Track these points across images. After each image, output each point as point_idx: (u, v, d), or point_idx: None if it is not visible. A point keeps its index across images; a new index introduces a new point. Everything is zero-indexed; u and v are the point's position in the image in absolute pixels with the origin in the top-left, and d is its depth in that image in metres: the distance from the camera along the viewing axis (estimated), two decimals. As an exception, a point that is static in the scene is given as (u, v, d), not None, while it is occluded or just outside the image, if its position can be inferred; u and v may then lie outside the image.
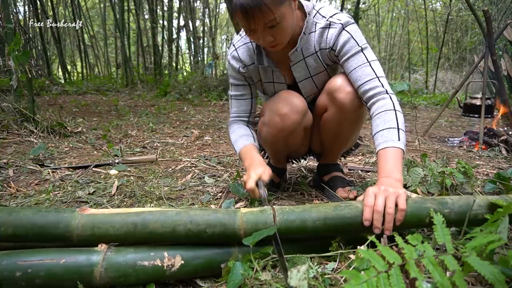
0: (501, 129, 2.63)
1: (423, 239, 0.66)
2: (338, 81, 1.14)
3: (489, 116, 2.79)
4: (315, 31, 1.13)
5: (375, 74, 1.06)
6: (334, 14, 1.12)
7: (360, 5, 6.84)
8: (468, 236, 0.79)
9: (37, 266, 0.70)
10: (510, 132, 2.49)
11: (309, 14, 1.12)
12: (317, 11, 1.13)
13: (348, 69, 1.10)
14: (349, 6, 7.68)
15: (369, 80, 1.06)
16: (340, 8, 6.50)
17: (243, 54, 1.21)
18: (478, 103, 2.84)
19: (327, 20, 1.11)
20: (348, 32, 1.09)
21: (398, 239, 0.66)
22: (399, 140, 0.95)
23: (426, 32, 8.69)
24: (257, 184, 1.04)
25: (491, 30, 2.47)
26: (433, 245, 0.74)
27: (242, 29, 1.11)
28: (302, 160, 1.67)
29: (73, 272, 0.71)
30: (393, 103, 1.03)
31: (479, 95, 2.85)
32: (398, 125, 0.98)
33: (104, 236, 0.77)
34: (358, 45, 1.09)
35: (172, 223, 0.78)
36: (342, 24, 1.09)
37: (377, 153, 0.98)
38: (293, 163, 1.61)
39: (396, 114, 1.01)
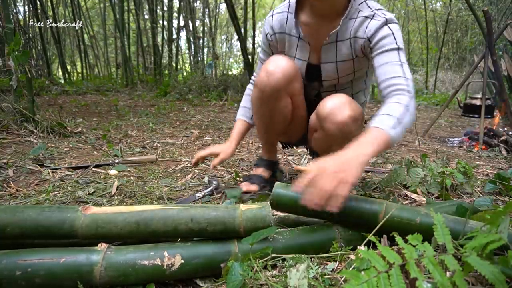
0: (501, 129, 2.63)
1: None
2: (327, 108, 1.11)
3: (489, 116, 2.79)
4: (356, 18, 1.12)
5: (405, 74, 1.03)
6: (381, 9, 1.11)
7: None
8: (469, 236, 0.79)
9: (37, 265, 0.70)
10: (510, 132, 2.49)
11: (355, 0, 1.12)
12: (364, 0, 1.13)
13: (379, 62, 1.07)
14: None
15: (397, 77, 1.02)
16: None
17: (276, 20, 1.24)
18: (478, 103, 2.84)
19: (372, 11, 1.10)
20: (390, 29, 1.07)
21: (398, 239, 0.66)
22: (392, 128, 0.90)
23: (426, 32, 8.69)
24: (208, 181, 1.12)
25: (491, 30, 2.47)
26: (433, 245, 0.74)
27: None
28: (294, 147, 1.66)
29: (73, 272, 0.71)
30: (409, 103, 0.98)
31: (479, 95, 2.85)
32: (400, 118, 0.93)
33: (108, 235, 0.79)
34: (396, 43, 1.06)
35: (173, 222, 0.80)
36: (386, 19, 1.08)
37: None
38: (287, 148, 1.60)
39: (404, 110, 0.95)
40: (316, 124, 1.22)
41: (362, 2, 1.13)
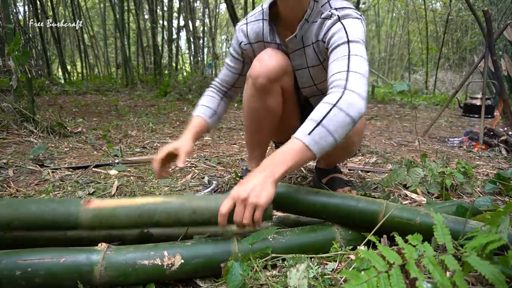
0: (501, 129, 2.63)
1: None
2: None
3: (489, 116, 2.79)
4: (317, 21, 1.08)
5: (348, 67, 0.91)
6: (342, 8, 1.04)
7: (360, 5, 6.84)
8: (469, 236, 0.79)
9: (37, 265, 0.70)
10: (510, 132, 2.49)
11: (317, 1, 1.07)
12: (328, 1, 1.07)
13: (328, 62, 0.99)
14: (349, 6, 7.68)
15: (337, 73, 0.92)
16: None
17: (251, 29, 1.19)
18: (478, 103, 2.84)
19: (329, 11, 1.04)
20: (342, 24, 1.00)
21: (398, 239, 0.66)
22: (309, 134, 0.82)
23: (426, 32, 8.70)
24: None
25: (491, 30, 2.47)
26: (433, 245, 0.74)
27: (259, 7, 1.16)
28: None
29: (73, 271, 0.71)
30: (340, 99, 0.86)
31: (479, 95, 2.85)
32: (321, 120, 0.83)
33: (111, 227, 0.82)
34: (347, 37, 0.97)
35: (177, 214, 0.82)
36: (339, 16, 1.02)
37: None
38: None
39: (331, 110, 0.84)
40: None
41: (325, 3, 1.08)
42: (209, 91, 1.31)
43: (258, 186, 0.78)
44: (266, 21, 1.16)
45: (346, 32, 0.98)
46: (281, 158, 0.82)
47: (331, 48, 1.00)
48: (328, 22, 1.04)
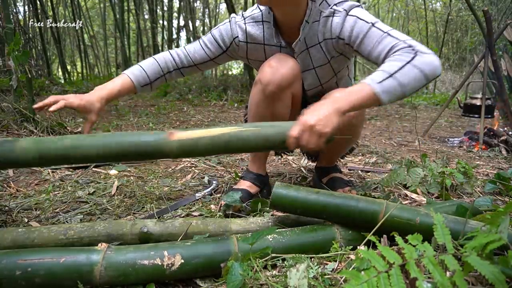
0: (501, 129, 2.63)
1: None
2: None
3: (489, 116, 2.79)
4: (319, 20, 1.08)
5: (398, 38, 0.95)
6: (339, 2, 1.06)
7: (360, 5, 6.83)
8: (469, 236, 0.79)
9: (37, 265, 0.70)
10: (510, 132, 2.49)
11: (314, 1, 1.08)
12: (324, 0, 1.08)
13: (365, 51, 1.01)
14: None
15: (394, 44, 0.94)
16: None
17: (251, 30, 1.16)
18: (478, 103, 2.84)
19: (330, 8, 1.06)
20: (353, 15, 1.02)
21: (398, 239, 0.66)
22: (379, 83, 0.87)
23: (426, 32, 8.69)
24: None
25: (491, 30, 2.47)
26: (433, 245, 0.74)
27: (252, 8, 1.16)
28: (287, 154, 1.60)
29: (73, 271, 0.71)
30: (413, 58, 0.89)
31: (479, 95, 2.85)
32: (392, 72, 0.88)
33: (193, 153, 0.94)
34: (367, 22, 1.00)
35: (245, 141, 0.95)
36: (345, 10, 1.03)
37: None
38: (281, 156, 1.57)
39: (404, 66, 0.88)
40: None
41: (322, 2, 1.08)
42: (162, 56, 1.19)
43: (325, 116, 0.85)
44: (268, 23, 1.14)
45: (362, 19, 1.01)
46: (349, 97, 0.89)
47: (358, 40, 1.01)
48: (336, 19, 1.05)
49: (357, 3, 1.07)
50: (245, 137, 0.93)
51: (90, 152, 0.88)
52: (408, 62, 0.89)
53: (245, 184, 1.31)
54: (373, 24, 0.99)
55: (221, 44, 1.19)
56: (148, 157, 0.93)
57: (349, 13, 1.03)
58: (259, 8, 1.17)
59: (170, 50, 1.22)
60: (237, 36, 1.17)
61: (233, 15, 1.21)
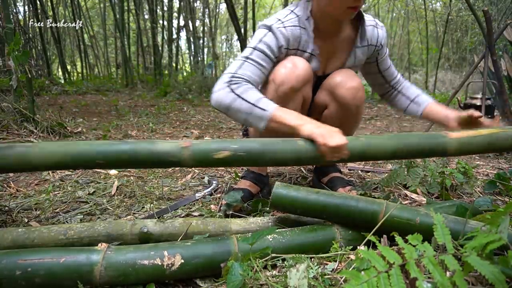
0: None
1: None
2: (337, 78, 1.18)
3: (489, 116, 2.79)
4: (366, 26, 1.21)
5: (398, 73, 1.38)
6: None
7: (360, 5, 6.83)
8: (469, 235, 0.79)
9: (37, 265, 0.70)
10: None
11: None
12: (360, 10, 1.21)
13: (385, 66, 1.33)
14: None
15: (397, 73, 1.37)
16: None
17: (292, 35, 1.13)
18: (478, 103, 2.84)
19: (373, 20, 1.24)
20: (386, 37, 1.28)
21: (398, 239, 0.66)
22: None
23: (426, 32, 8.69)
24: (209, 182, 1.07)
25: (491, 30, 2.47)
26: (433, 245, 0.74)
27: (290, 10, 1.16)
28: None
29: (73, 271, 0.71)
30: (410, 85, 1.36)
31: (479, 95, 2.85)
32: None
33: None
34: (387, 47, 1.31)
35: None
36: (383, 28, 1.26)
37: (426, 107, 1.29)
38: None
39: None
40: (326, 98, 1.23)
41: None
42: (244, 85, 1.04)
43: None
44: (305, 29, 1.14)
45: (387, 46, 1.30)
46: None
47: (384, 56, 1.31)
48: (380, 31, 1.25)
49: None
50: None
51: None
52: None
53: (246, 184, 1.31)
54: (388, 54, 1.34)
55: (272, 58, 1.13)
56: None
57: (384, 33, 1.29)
58: (295, 13, 1.15)
59: (247, 84, 1.06)
60: (282, 45, 1.13)
61: (266, 23, 1.14)
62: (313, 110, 1.31)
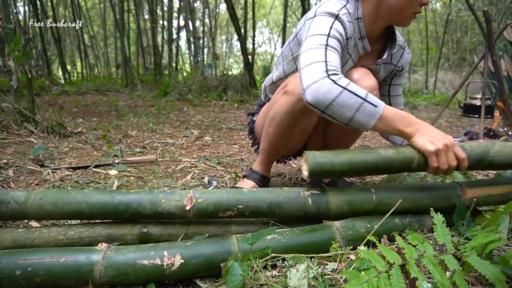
0: (501, 129, 2.63)
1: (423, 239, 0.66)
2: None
3: (489, 116, 2.79)
4: (398, 47, 1.20)
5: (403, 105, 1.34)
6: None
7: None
8: (468, 235, 0.79)
9: (37, 265, 0.70)
10: (510, 133, 2.49)
11: (393, 27, 1.17)
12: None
13: (396, 92, 1.29)
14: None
15: (402, 108, 1.31)
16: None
17: (349, 27, 1.05)
18: (478, 104, 2.84)
19: (403, 42, 1.22)
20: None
21: (399, 239, 0.66)
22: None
23: (426, 32, 8.69)
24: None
25: (491, 31, 2.47)
26: (433, 245, 0.74)
27: None
28: (292, 160, 1.58)
29: (73, 271, 0.71)
30: None
31: (479, 96, 2.85)
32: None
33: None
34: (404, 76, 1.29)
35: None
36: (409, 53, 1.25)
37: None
38: (284, 162, 1.54)
39: None
40: None
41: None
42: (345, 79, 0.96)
43: (451, 148, 0.91)
44: (357, 26, 1.08)
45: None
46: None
47: (399, 82, 1.28)
48: (405, 54, 1.24)
49: None
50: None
51: None
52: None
53: (249, 184, 1.30)
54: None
55: (343, 44, 1.04)
56: None
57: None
58: (347, 9, 1.06)
59: (336, 73, 0.95)
60: (349, 37, 1.07)
61: (329, 10, 1.03)
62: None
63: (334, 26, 1.00)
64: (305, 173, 0.91)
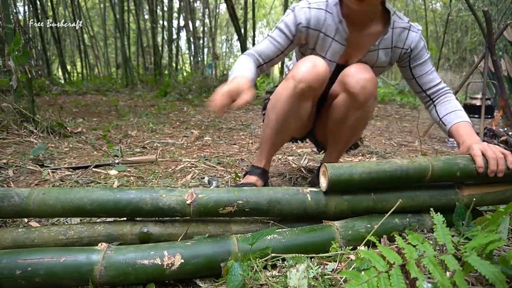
0: (501, 129, 2.63)
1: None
2: (351, 69, 1.18)
3: (489, 116, 2.79)
4: (393, 28, 1.21)
5: (439, 78, 1.28)
6: (410, 21, 1.24)
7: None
8: (468, 235, 0.79)
9: (37, 265, 0.70)
10: (510, 133, 2.49)
11: (388, 12, 1.19)
12: (395, 12, 1.22)
13: (419, 73, 1.26)
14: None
15: (439, 82, 1.27)
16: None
17: (314, 16, 1.20)
18: (478, 104, 2.84)
19: (407, 23, 1.22)
20: (423, 40, 1.24)
21: (399, 239, 0.66)
22: (467, 117, 1.18)
23: (426, 32, 8.69)
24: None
25: (491, 31, 2.47)
26: (433, 245, 0.74)
27: None
28: (303, 144, 1.65)
29: (73, 271, 0.71)
30: (455, 98, 1.26)
31: (479, 96, 2.85)
32: (463, 110, 1.21)
33: None
34: (427, 52, 1.25)
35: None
36: (420, 30, 1.23)
37: (452, 126, 1.17)
38: (292, 142, 1.61)
39: (458, 102, 1.24)
40: (338, 88, 1.24)
41: (394, 13, 1.20)
42: (243, 57, 1.24)
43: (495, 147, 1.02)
44: (332, 14, 1.20)
45: (426, 49, 1.25)
46: (471, 132, 1.15)
47: (420, 61, 1.25)
48: (412, 34, 1.22)
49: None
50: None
51: None
52: (458, 102, 1.26)
53: (253, 179, 1.34)
54: (428, 58, 1.26)
55: (288, 34, 1.23)
56: None
57: (421, 36, 1.23)
58: None
59: (245, 53, 1.27)
60: (300, 23, 1.20)
61: (294, 4, 1.24)
62: (329, 101, 1.33)
63: (285, 19, 1.23)
64: (324, 185, 0.94)
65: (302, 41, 1.26)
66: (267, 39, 1.25)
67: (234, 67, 1.18)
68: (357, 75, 1.15)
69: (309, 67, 1.14)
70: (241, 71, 1.13)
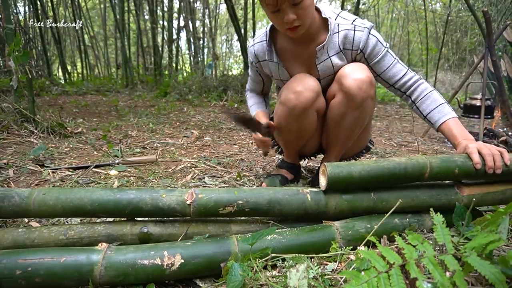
0: (500, 129, 2.63)
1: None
2: (346, 69, 1.20)
3: (489, 116, 2.79)
4: (338, 32, 1.21)
5: (405, 67, 1.23)
6: (356, 19, 1.21)
7: (359, 6, 6.84)
8: (468, 235, 0.79)
9: (37, 265, 0.70)
10: (509, 133, 2.49)
11: (329, 17, 1.21)
12: (338, 15, 1.23)
13: (381, 69, 1.23)
14: (349, 7, 7.68)
15: (404, 74, 1.22)
16: (340, 8, 6.48)
17: (257, 50, 1.33)
18: (478, 104, 2.84)
19: (351, 24, 1.20)
20: (374, 36, 1.20)
21: (398, 239, 0.66)
22: (451, 111, 1.14)
23: (426, 33, 8.69)
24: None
25: (491, 31, 2.47)
26: (433, 245, 0.74)
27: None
28: (312, 158, 1.67)
29: (73, 271, 0.71)
30: (430, 85, 1.20)
31: (479, 96, 2.85)
32: (445, 101, 1.17)
33: None
34: (384, 46, 1.21)
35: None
36: (368, 28, 1.19)
37: (440, 126, 1.14)
38: (305, 159, 1.67)
39: (438, 93, 1.18)
40: (335, 89, 1.25)
41: (337, 17, 1.22)
42: (249, 94, 1.54)
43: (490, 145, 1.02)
44: (267, 41, 1.29)
45: (380, 42, 1.21)
46: (467, 132, 1.11)
47: (377, 59, 1.22)
48: (358, 34, 1.19)
49: (372, 24, 1.23)
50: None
51: None
52: (436, 91, 1.19)
53: (282, 171, 1.51)
54: (387, 50, 1.22)
55: (256, 70, 1.43)
56: None
57: (371, 32, 1.20)
58: (266, 29, 1.30)
59: (247, 91, 1.56)
60: (252, 61, 1.38)
61: (248, 45, 1.42)
62: (328, 101, 1.34)
63: (249, 61, 1.41)
64: (323, 184, 0.94)
65: (266, 72, 1.39)
66: (249, 77, 1.49)
67: (249, 104, 1.51)
68: (352, 75, 1.17)
69: (297, 93, 1.20)
70: (257, 107, 1.47)
